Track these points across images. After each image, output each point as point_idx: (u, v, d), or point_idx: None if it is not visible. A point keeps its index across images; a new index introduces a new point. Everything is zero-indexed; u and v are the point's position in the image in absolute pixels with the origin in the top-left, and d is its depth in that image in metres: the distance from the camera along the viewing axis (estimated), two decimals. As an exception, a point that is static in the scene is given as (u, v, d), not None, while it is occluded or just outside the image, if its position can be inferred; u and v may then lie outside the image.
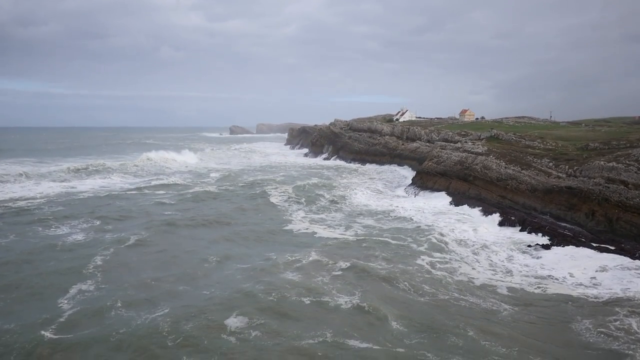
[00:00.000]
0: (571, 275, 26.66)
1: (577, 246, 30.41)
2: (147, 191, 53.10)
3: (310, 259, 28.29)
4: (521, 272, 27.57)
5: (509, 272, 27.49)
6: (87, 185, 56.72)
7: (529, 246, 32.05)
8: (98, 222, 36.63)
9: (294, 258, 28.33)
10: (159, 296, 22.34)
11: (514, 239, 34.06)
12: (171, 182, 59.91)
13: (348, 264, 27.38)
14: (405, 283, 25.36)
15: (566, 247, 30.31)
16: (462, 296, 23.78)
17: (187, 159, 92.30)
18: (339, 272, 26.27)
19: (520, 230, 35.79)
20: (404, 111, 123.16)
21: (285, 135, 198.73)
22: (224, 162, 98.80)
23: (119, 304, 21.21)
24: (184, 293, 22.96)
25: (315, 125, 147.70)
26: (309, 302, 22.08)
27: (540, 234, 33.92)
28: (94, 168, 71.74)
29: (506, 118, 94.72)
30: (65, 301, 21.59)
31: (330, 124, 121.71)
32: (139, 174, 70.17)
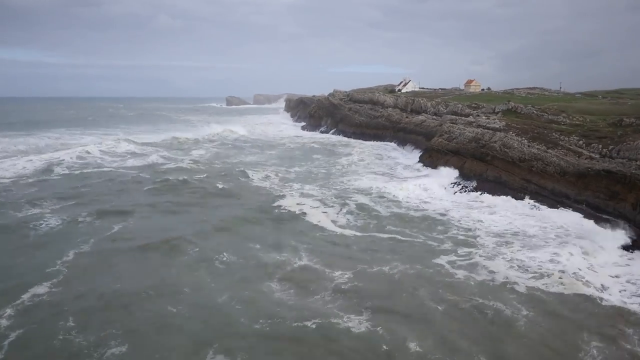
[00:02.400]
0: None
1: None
2: (122, 171, 47.75)
3: (303, 263, 23.65)
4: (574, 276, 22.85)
5: (546, 275, 22.77)
6: (67, 162, 51.23)
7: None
8: (71, 206, 32.25)
9: (283, 258, 23.93)
10: (118, 319, 17.63)
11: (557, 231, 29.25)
12: (151, 163, 53.77)
13: (351, 274, 22.59)
14: (423, 290, 21.08)
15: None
16: (484, 301, 20.17)
17: (174, 133, 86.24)
18: (342, 283, 21.57)
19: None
20: (407, 81, 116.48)
21: (283, 106, 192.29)
22: (218, 133, 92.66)
23: (71, 323, 17.06)
24: (147, 317, 18.24)
25: (314, 96, 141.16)
26: (307, 327, 17.46)
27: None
28: (77, 141, 66.32)
29: (517, 89, 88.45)
30: (12, 317, 17.56)
31: (329, 94, 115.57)
32: (118, 154, 64.48)
